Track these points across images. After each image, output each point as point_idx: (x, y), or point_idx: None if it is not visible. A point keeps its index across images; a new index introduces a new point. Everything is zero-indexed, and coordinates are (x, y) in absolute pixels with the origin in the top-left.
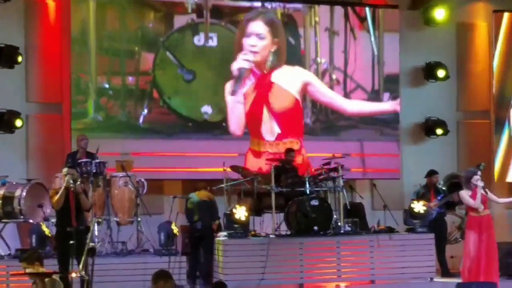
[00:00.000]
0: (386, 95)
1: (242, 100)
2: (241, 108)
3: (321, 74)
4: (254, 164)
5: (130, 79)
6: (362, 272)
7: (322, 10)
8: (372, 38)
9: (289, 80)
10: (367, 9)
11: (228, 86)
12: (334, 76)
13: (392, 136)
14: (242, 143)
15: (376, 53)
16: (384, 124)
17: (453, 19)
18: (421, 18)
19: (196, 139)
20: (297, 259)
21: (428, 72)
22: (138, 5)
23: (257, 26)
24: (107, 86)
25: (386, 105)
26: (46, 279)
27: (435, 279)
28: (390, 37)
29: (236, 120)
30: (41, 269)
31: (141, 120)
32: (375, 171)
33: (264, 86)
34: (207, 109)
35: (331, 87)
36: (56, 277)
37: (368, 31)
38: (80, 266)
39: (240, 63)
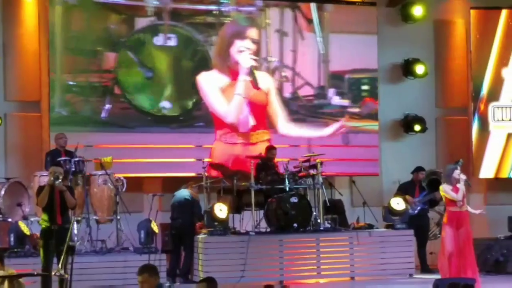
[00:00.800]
0: (331, 91)
1: (242, 92)
2: (242, 101)
3: (272, 72)
4: (224, 152)
5: (94, 76)
6: (342, 268)
7: (273, 13)
8: (318, 39)
9: (261, 80)
10: (313, 11)
11: (204, 78)
12: (284, 73)
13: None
14: (199, 136)
15: (322, 52)
16: (330, 117)
17: (430, 16)
18: (399, 15)
19: (155, 132)
20: (277, 256)
21: (406, 68)
22: (102, 9)
23: (253, 32)
24: (72, 83)
25: (329, 130)
26: (14, 281)
27: (414, 275)
28: (368, 38)
29: (237, 112)
30: (10, 270)
31: (103, 114)
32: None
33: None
34: (165, 104)
35: (281, 84)
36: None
37: (315, 32)
38: (60, 264)
39: (249, 62)
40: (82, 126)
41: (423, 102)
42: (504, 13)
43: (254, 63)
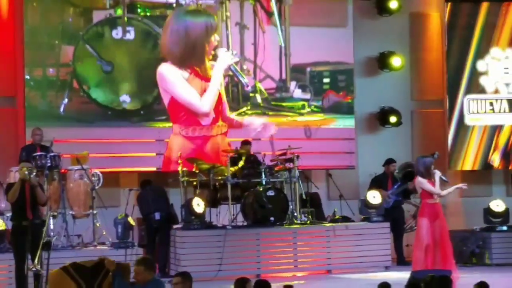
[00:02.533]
0: (293, 84)
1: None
2: (217, 92)
3: None
4: (187, 146)
5: (50, 70)
6: (319, 262)
7: (233, 6)
8: (279, 32)
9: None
10: (273, 4)
11: (167, 68)
12: (245, 67)
13: (298, 122)
14: (159, 130)
15: (282, 45)
16: (291, 111)
17: (406, 9)
18: (374, 8)
19: (115, 127)
20: (254, 250)
21: (382, 62)
22: (58, 1)
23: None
24: (28, 77)
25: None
26: None
27: (390, 268)
28: (338, 31)
29: (213, 102)
30: None
31: (61, 109)
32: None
33: (204, 78)
34: (125, 98)
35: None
36: None
37: (275, 25)
38: (36, 260)
39: (229, 59)
40: (40, 121)
41: (398, 95)
42: (479, 6)
43: (234, 60)
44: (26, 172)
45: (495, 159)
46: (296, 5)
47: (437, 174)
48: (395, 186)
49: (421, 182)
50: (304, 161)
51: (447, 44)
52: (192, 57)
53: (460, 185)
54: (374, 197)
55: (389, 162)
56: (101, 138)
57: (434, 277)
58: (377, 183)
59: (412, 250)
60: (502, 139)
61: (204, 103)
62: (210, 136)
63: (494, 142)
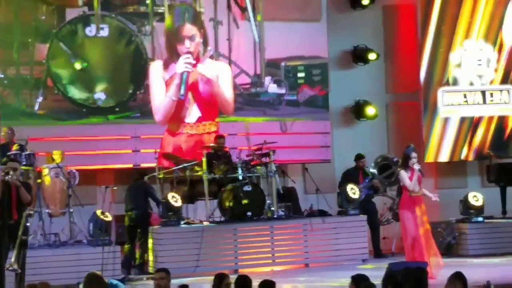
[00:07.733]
0: (268, 79)
1: (175, 97)
2: (172, 103)
3: None
4: (171, 142)
5: (24, 68)
6: (296, 256)
7: (206, 2)
8: (253, 27)
9: (211, 71)
10: (247, 0)
11: (155, 67)
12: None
13: (274, 116)
14: (135, 127)
15: (257, 40)
16: (267, 105)
17: (379, 2)
18: (348, 2)
19: (91, 124)
20: (231, 245)
21: (356, 55)
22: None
23: (188, 30)
24: (1, 76)
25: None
26: None
27: (368, 261)
28: (311, 25)
29: (165, 113)
30: None
31: (36, 107)
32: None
33: (192, 75)
34: (100, 95)
35: None
36: None
37: (249, 20)
38: (13, 259)
39: (182, 67)
40: (15, 119)
41: (373, 88)
42: None
43: (188, 68)
44: (3, 173)
45: (470, 151)
46: (269, 0)
47: (416, 168)
48: (366, 180)
49: (401, 175)
50: (280, 156)
51: (420, 36)
52: (171, 55)
53: (431, 195)
54: (353, 190)
55: (358, 157)
56: (76, 135)
57: (410, 269)
58: (349, 176)
59: (391, 243)
60: (476, 131)
61: (157, 111)
62: (194, 134)
63: (468, 134)
